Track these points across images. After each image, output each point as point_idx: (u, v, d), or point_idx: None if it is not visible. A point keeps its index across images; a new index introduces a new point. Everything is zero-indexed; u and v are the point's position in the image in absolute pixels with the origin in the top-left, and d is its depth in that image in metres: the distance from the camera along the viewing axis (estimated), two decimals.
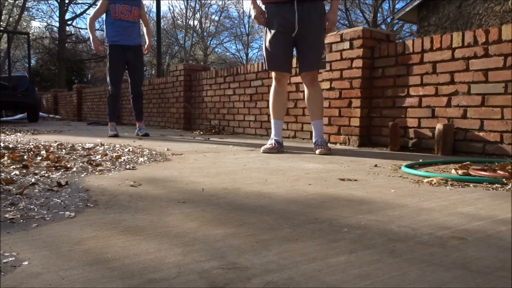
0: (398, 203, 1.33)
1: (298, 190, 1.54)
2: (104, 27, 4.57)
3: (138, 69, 4.69)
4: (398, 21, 20.44)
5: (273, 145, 2.95)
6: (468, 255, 0.85)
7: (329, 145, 3.19)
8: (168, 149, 3.08)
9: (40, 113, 11.70)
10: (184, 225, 1.05)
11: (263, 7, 2.95)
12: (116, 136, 4.50)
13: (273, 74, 3.02)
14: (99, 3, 4.51)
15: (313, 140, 2.97)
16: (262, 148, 2.97)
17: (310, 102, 2.97)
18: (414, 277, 0.73)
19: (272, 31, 2.87)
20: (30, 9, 24.24)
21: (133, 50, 4.56)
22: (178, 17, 30.51)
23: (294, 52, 3.08)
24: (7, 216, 1.10)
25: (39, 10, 28.39)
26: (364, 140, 3.50)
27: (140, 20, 4.69)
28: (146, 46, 4.74)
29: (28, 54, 10.40)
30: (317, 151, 2.81)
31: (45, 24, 28.89)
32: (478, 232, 1.00)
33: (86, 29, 27.76)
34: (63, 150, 2.81)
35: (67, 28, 23.32)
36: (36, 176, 1.75)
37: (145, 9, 4.78)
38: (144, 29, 4.82)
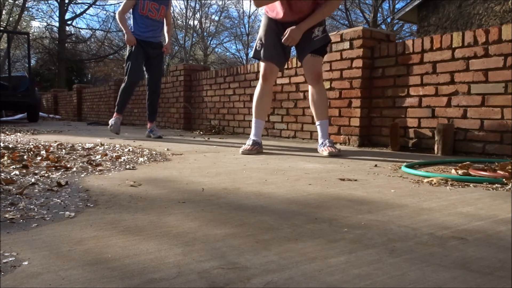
0: (398, 203, 1.33)
1: (298, 190, 1.54)
2: (131, 20, 4.42)
3: (157, 65, 4.54)
4: (398, 21, 20.44)
5: (252, 146, 2.88)
6: (468, 255, 0.85)
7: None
8: (168, 149, 3.08)
9: (40, 113, 11.70)
10: (184, 225, 1.05)
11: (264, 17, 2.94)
12: (117, 133, 4.38)
13: (261, 71, 2.93)
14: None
15: (320, 141, 2.88)
16: (241, 149, 2.89)
17: (316, 102, 2.90)
18: (414, 277, 0.73)
19: (270, 36, 2.86)
20: (30, 9, 24.25)
21: (154, 46, 4.44)
22: (178, 17, 30.50)
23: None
24: (7, 216, 1.10)
25: (39, 10, 28.39)
26: (364, 140, 3.50)
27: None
28: (165, 45, 4.56)
29: (28, 54, 10.40)
30: (326, 152, 2.72)
31: (45, 24, 28.89)
32: (478, 232, 1.00)
33: (86, 29, 27.63)
34: (63, 150, 2.81)
35: (67, 28, 23.34)
36: (36, 176, 1.75)
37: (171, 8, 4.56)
38: (165, 28, 4.60)
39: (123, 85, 4.47)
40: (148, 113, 4.64)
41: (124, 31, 4.34)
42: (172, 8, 4.68)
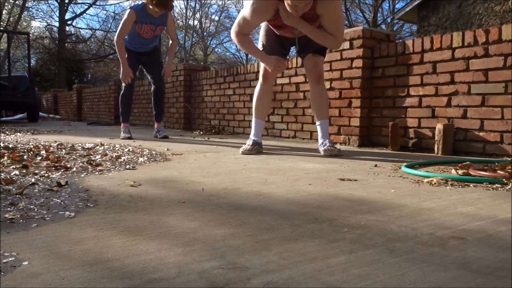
0: (398, 203, 1.33)
1: (298, 190, 1.54)
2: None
3: (156, 65, 4.48)
4: (398, 21, 20.44)
5: (252, 146, 2.87)
6: (468, 255, 0.85)
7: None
8: (168, 149, 3.08)
9: (40, 113, 11.71)
10: (184, 225, 1.05)
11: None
12: (130, 138, 4.20)
13: (261, 70, 2.93)
14: (125, 17, 4.14)
15: (320, 141, 2.87)
16: (241, 149, 2.88)
17: (316, 102, 2.89)
18: (414, 277, 0.73)
19: (270, 37, 2.85)
20: (30, 9, 24.26)
21: (148, 53, 4.42)
22: (178, 17, 30.50)
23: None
24: (7, 216, 1.10)
25: (39, 10, 28.43)
26: (364, 140, 3.50)
27: (168, 30, 4.41)
28: (165, 68, 4.41)
29: (28, 54, 10.40)
30: (327, 152, 2.72)
31: (45, 24, 28.91)
32: (478, 232, 1.00)
33: (86, 29, 27.53)
34: (63, 150, 2.81)
35: (67, 28, 23.33)
36: (36, 176, 1.75)
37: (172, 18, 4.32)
38: (170, 44, 4.48)
39: (122, 92, 4.48)
40: (154, 113, 4.63)
41: (121, 62, 4.21)
42: (172, 13, 4.44)
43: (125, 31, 4.18)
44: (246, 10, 2.58)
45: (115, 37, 4.26)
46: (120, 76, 4.26)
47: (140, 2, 4.16)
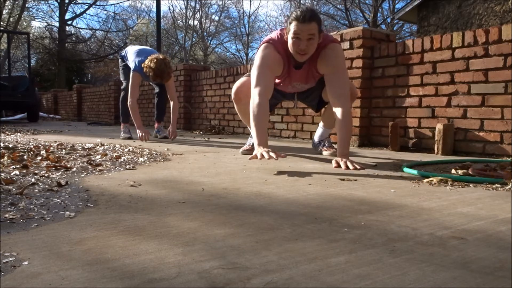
0: (398, 203, 1.33)
1: (298, 190, 1.54)
2: (130, 56, 4.27)
3: None
4: (398, 21, 20.42)
5: (252, 146, 2.79)
6: (468, 255, 0.85)
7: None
8: (168, 149, 3.08)
9: (40, 113, 11.71)
10: (184, 225, 1.05)
11: None
12: (130, 138, 4.23)
13: (233, 88, 2.74)
14: (132, 80, 4.14)
15: (317, 140, 2.86)
16: (241, 149, 2.87)
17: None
18: (414, 277, 0.73)
19: None
20: (30, 9, 24.24)
21: None
22: (178, 17, 30.48)
23: None
24: (7, 216, 1.10)
25: (39, 10, 28.31)
26: (364, 140, 3.50)
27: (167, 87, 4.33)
28: (170, 128, 4.22)
29: (28, 54, 10.40)
30: (326, 153, 2.70)
31: (45, 24, 28.88)
32: (478, 232, 1.00)
33: (86, 29, 27.54)
34: (63, 150, 2.81)
35: (67, 28, 23.33)
36: (36, 176, 1.75)
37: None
38: (171, 103, 4.36)
39: (122, 94, 4.48)
40: (156, 113, 4.67)
41: (136, 125, 4.10)
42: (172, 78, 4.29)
43: (136, 92, 4.20)
44: (255, 63, 2.27)
45: (129, 101, 4.15)
46: (139, 136, 4.06)
47: (139, 59, 4.11)
